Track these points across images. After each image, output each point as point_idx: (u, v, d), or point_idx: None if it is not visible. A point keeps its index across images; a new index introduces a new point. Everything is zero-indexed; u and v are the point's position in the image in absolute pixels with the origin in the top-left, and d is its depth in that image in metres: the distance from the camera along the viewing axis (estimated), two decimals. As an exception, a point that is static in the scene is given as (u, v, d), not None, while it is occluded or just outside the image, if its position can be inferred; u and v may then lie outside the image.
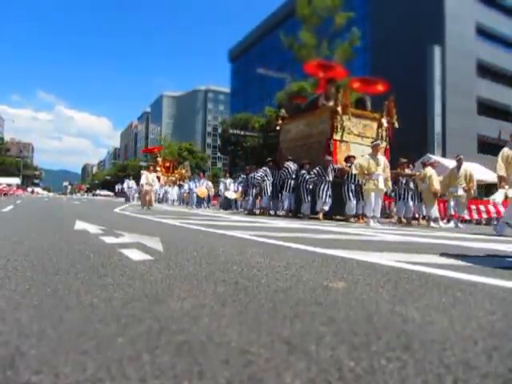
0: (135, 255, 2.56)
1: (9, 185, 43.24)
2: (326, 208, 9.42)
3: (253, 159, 42.67)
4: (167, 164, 35.40)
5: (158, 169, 33.95)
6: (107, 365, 0.87)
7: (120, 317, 1.24)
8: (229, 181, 17.11)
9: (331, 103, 10.63)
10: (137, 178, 22.64)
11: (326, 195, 9.37)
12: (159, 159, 35.91)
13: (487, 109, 35.55)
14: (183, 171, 32.63)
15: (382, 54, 37.82)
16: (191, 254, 2.73)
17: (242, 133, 39.60)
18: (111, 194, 67.98)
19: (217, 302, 1.45)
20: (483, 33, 36.31)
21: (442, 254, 3.08)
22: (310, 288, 1.72)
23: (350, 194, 9.12)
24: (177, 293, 1.58)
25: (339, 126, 10.25)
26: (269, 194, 11.17)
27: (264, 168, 11.55)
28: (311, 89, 34.11)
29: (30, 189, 70.52)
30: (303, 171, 10.10)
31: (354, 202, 9.14)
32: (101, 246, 3.00)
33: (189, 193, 19.29)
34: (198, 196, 18.03)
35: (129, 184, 21.72)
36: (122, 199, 23.25)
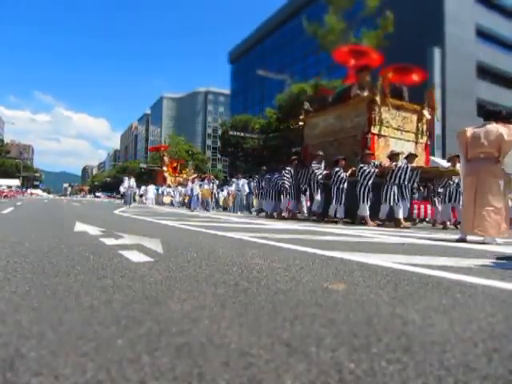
0: (135, 257, 2.56)
1: (9, 186, 43.27)
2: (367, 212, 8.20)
3: (253, 161, 42.74)
4: (174, 164, 35.13)
5: (165, 169, 33.80)
6: (107, 367, 0.87)
7: (120, 319, 1.24)
8: (242, 181, 15.84)
9: (365, 93, 9.46)
10: (136, 177, 22.09)
11: (368, 197, 8.15)
12: (166, 159, 35.64)
13: (487, 111, 35.56)
14: (185, 171, 32.51)
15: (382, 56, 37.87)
16: (191, 255, 2.73)
17: (242, 134, 39.59)
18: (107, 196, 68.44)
19: (217, 303, 1.45)
20: (483, 35, 36.38)
21: (442, 256, 3.08)
22: (310, 290, 1.72)
23: (395, 196, 7.83)
24: (177, 294, 1.58)
25: (377, 119, 9.06)
26: (293, 196, 10.19)
27: (288, 168, 10.27)
28: (311, 90, 34.04)
29: (29, 190, 70.58)
30: (337, 168, 8.74)
31: (401, 204, 7.82)
32: (101, 248, 3.00)
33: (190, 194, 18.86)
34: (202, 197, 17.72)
35: (129, 183, 18.96)
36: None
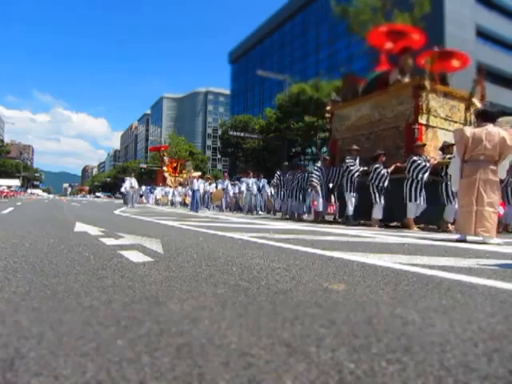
0: (135, 257, 2.56)
1: (9, 187, 43.32)
2: (418, 213, 7.18)
3: (253, 161, 42.76)
4: (174, 164, 35.11)
5: (165, 169, 33.77)
6: (107, 367, 0.87)
7: (120, 319, 1.24)
8: (251, 181, 14.98)
9: (406, 79, 8.46)
10: (136, 178, 21.91)
11: (421, 195, 7.06)
12: (166, 159, 35.64)
13: (487, 111, 35.57)
14: (185, 171, 32.45)
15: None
16: (191, 255, 2.72)
17: (242, 134, 39.60)
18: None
19: (217, 303, 1.45)
20: (483, 35, 36.39)
21: (442, 256, 3.08)
22: (310, 290, 1.72)
23: (450, 196, 6.83)
24: (177, 295, 1.58)
25: (424, 107, 7.90)
26: (321, 196, 9.15)
27: (318, 165, 9.28)
28: (311, 90, 33.96)
29: (29, 190, 70.66)
30: (377, 165, 7.71)
31: (456, 205, 6.62)
32: (101, 248, 3.00)
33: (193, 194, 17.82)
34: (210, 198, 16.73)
35: (131, 183, 18.75)
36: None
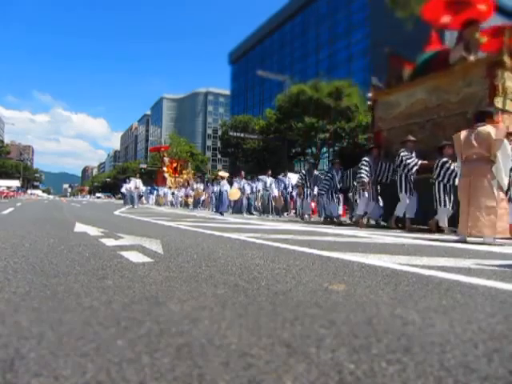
0: (135, 257, 2.56)
1: (9, 187, 43.36)
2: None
3: (253, 161, 42.79)
4: (174, 164, 35.10)
5: (165, 169, 33.72)
6: (107, 367, 0.87)
7: (120, 319, 1.24)
8: (270, 180, 14.01)
9: (472, 57, 7.21)
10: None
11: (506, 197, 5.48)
12: (166, 159, 35.64)
13: (487, 111, 35.60)
14: (185, 172, 32.42)
15: (382, 57, 37.92)
16: (191, 256, 2.73)
17: (242, 135, 39.60)
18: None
19: (217, 304, 1.45)
20: (483, 35, 36.43)
21: (442, 256, 3.08)
22: (310, 290, 1.72)
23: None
24: (177, 295, 1.58)
25: (501, 89, 6.61)
26: (366, 195, 7.70)
27: (366, 159, 7.81)
28: (310, 91, 33.95)
29: (29, 191, 70.75)
30: (444, 159, 6.25)
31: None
32: (101, 249, 3.00)
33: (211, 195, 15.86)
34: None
35: (136, 183, 18.66)
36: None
